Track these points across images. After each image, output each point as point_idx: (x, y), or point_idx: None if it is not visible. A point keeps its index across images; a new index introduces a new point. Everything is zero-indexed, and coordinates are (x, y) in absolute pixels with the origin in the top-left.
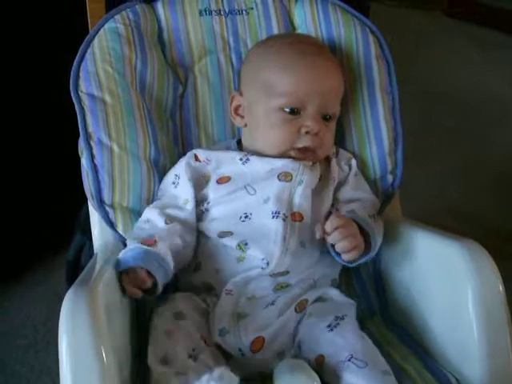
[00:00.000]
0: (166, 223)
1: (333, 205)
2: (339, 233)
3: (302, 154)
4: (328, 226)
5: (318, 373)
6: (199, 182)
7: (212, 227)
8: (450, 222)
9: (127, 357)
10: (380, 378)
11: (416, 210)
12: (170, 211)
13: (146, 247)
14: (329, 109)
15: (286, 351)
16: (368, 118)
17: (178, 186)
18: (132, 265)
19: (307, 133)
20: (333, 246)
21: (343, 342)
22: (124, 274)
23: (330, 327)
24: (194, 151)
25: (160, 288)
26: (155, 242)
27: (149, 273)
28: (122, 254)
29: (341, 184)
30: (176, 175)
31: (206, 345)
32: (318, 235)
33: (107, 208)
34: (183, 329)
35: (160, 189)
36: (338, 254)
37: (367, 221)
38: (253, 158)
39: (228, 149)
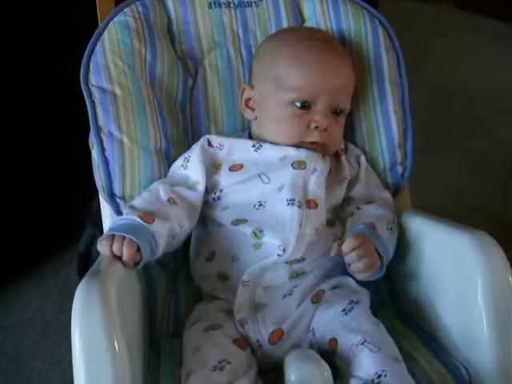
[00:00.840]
0: (169, 202)
1: (344, 200)
2: (356, 254)
3: (312, 146)
4: (345, 247)
5: (330, 357)
6: (211, 168)
7: (226, 216)
8: (461, 214)
9: (139, 347)
10: (391, 363)
11: (427, 202)
12: (177, 189)
13: (142, 222)
14: (339, 104)
15: (302, 343)
16: (378, 110)
17: (187, 168)
18: (126, 235)
19: (316, 128)
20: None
21: (357, 325)
22: (110, 237)
23: (345, 311)
24: (208, 136)
25: (140, 266)
26: (153, 220)
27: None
28: (117, 221)
29: (352, 182)
30: (186, 158)
31: (240, 349)
32: (332, 252)
33: (118, 200)
34: (211, 340)
35: (170, 171)
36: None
37: (384, 242)
38: (266, 145)
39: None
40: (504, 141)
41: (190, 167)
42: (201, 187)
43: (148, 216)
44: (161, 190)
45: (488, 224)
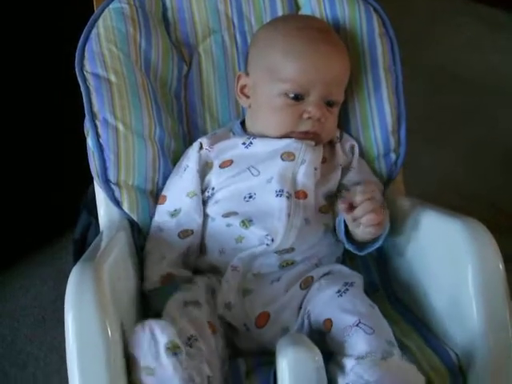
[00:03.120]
0: (180, 237)
1: (338, 191)
2: (369, 204)
3: (304, 135)
4: (359, 197)
5: (324, 339)
6: (204, 168)
7: (216, 209)
8: (456, 202)
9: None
10: (385, 346)
11: (422, 189)
12: (181, 218)
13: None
14: (333, 96)
15: (291, 327)
16: (371, 96)
17: (181, 179)
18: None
19: (309, 118)
20: (346, 232)
21: (352, 307)
22: None
23: (340, 293)
24: (200, 140)
25: None
26: (172, 275)
27: None
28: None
29: (345, 170)
30: (184, 168)
31: (212, 332)
32: (341, 207)
33: (113, 186)
34: (188, 315)
35: (167, 185)
36: (348, 241)
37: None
38: (255, 141)
39: (232, 131)
40: (502, 129)
41: (186, 177)
42: (197, 194)
43: (167, 276)
44: (170, 230)
45: (483, 212)
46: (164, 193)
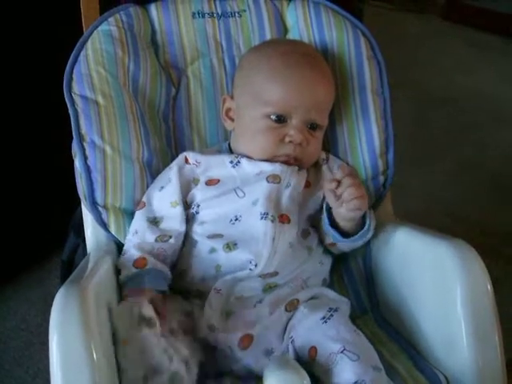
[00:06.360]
0: (156, 241)
1: (321, 208)
2: (349, 178)
3: (287, 159)
4: (339, 173)
5: (310, 366)
6: (188, 187)
7: (201, 230)
8: (447, 223)
9: None
10: (371, 372)
11: (414, 211)
12: (162, 225)
13: (140, 270)
14: (316, 120)
15: (275, 349)
16: (359, 119)
17: (163, 189)
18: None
19: (290, 142)
20: (329, 215)
21: (336, 333)
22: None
23: (324, 319)
24: (185, 153)
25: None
26: (145, 259)
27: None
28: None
29: None
30: (169, 180)
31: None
32: (327, 186)
33: (100, 209)
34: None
35: (147, 193)
36: (333, 227)
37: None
38: (243, 161)
39: (219, 152)
40: (490, 149)
41: (168, 188)
42: (180, 204)
43: (140, 259)
44: (146, 231)
45: (470, 233)
46: (143, 199)
